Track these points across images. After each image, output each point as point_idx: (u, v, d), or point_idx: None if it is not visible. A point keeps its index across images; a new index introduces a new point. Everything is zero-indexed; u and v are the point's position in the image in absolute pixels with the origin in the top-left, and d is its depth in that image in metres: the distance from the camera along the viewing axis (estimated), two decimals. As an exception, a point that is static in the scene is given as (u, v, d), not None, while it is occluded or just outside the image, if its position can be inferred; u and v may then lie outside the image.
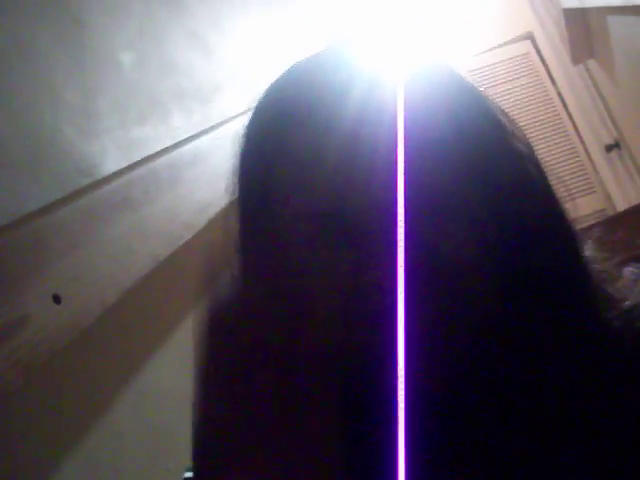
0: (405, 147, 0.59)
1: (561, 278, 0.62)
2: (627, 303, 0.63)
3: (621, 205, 4.19)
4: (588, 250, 0.68)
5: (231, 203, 0.71)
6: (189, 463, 0.73)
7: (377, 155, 0.59)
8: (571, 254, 0.64)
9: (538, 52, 4.80)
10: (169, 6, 2.01)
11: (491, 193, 0.62)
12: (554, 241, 0.64)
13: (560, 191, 0.67)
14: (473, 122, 0.66)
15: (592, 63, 4.13)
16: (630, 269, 0.67)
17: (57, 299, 1.11)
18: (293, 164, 0.63)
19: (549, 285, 0.60)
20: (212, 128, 1.96)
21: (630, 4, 2.45)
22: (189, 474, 0.70)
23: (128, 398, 1.34)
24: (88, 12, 1.56)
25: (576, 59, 4.11)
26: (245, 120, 0.71)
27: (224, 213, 0.74)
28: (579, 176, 4.54)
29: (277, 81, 0.70)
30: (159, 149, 1.65)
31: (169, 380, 1.47)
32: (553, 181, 0.68)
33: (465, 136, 0.63)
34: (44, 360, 1.06)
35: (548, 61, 4.71)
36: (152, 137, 1.67)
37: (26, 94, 1.29)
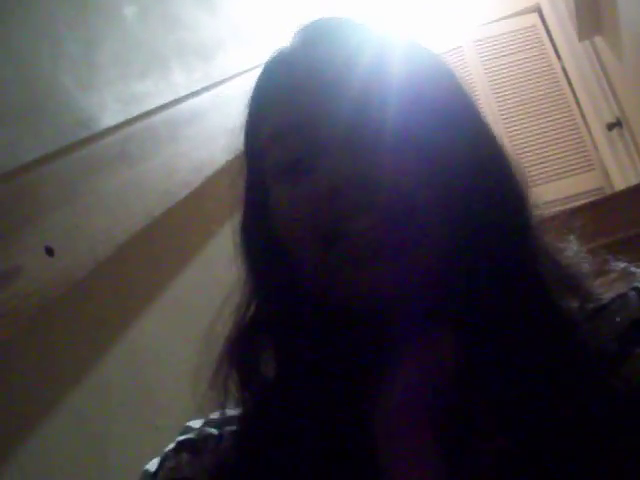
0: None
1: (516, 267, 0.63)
2: (606, 296, 0.64)
3: (619, 184, 4.19)
4: (573, 243, 0.68)
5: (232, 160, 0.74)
6: (176, 421, 0.74)
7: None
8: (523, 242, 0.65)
9: (545, 25, 4.77)
10: (174, -40, 1.98)
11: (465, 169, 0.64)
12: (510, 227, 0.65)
13: (526, 176, 0.69)
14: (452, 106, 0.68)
15: (599, 40, 4.11)
16: (618, 263, 0.67)
17: (50, 251, 1.10)
18: (278, 97, 0.69)
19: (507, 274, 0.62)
20: (213, 86, 1.94)
21: (641, -19, 2.42)
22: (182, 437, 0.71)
23: (117, 353, 1.34)
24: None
25: (583, 35, 4.08)
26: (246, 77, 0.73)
27: (221, 171, 0.76)
28: (579, 153, 4.53)
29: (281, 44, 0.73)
30: (158, 105, 1.63)
31: (159, 338, 1.47)
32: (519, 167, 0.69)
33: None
34: (35, 312, 1.06)
35: (554, 35, 4.69)
36: (152, 92, 1.66)
37: (26, 43, 1.27)
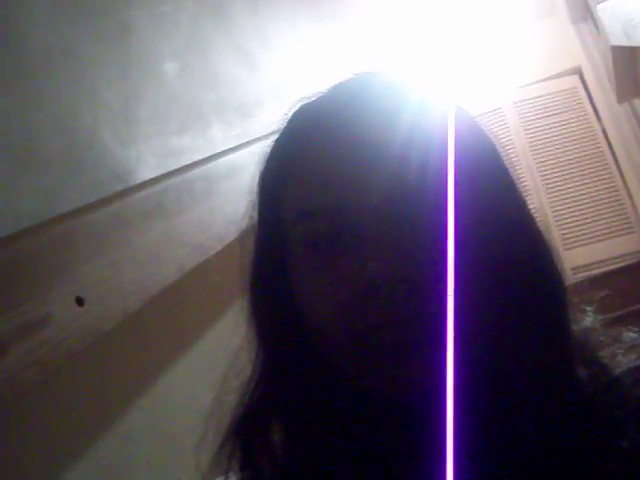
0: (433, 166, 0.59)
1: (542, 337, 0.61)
2: (618, 370, 0.63)
3: (659, 248, 4.14)
4: (589, 315, 0.67)
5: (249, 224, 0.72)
6: (200, 475, 0.73)
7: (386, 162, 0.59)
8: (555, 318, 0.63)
9: (585, 87, 4.77)
10: (216, 18, 2.02)
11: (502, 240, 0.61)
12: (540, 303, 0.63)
13: (553, 242, 0.67)
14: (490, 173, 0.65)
15: (638, 102, 4.10)
16: (630, 334, 0.66)
17: (80, 301, 1.12)
18: (305, 168, 0.64)
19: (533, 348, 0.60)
20: (251, 142, 1.96)
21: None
22: None
23: (143, 406, 1.34)
24: (136, 19, 1.57)
25: (622, 97, 4.07)
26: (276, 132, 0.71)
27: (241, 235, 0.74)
28: (618, 215, 4.49)
29: (304, 104, 0.69)
30: (196, 160, 1.65)
31: (185, 391, 1.47)
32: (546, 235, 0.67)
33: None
34: (63, 361, 1.07)
35: (594, 97, 4.68)
36: (190, 147, 1.69)
37: (67, 96, 1.30)
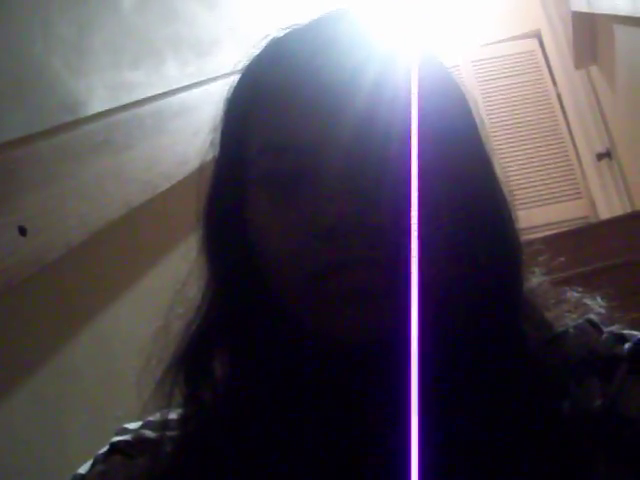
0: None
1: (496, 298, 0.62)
2: (560, 329, 0.64)
3: (605, 214, 4.21)
4: (536, 276, 0.68)
5: (206, 162, 0.71)
6: (139, 414, 0.72)
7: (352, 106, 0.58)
8: (511, 278, 0.64)
9: (543, 51, 4.79)
10: (177, -47, 1.98)
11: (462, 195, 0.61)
12: (500, 259, 0.63)
13: (514, 203, 0.67)
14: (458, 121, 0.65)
15: (594, 69, 4.13)
16: (574, 294, 0.68)
17: (22, 231, 1.10)
18: (270, 104, 0.63)
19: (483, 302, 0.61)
20: (205, 82, 1.94)
21: (637, 15, 2.44)
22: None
23: (84, 341, 1.33)
24: (92, -52, 1.53)
25: (579, 63, 4.11)
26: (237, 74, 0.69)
27: (200, 170, 0.73)
28: (567, 180, 4.55)
29: (270, 41, 0.68)
30: (148, 95, 1.63)
31: (127, 329, 1.46)
32: (508, 192, 0.67)
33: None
34: (2, 289, 1.05)
35: (552, 62, 4.71)
36: (142, 82, 1.66)
37: (19, 21, 1.27)
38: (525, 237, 0.68)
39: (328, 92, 0.59)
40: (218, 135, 0.69)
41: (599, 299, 0.67)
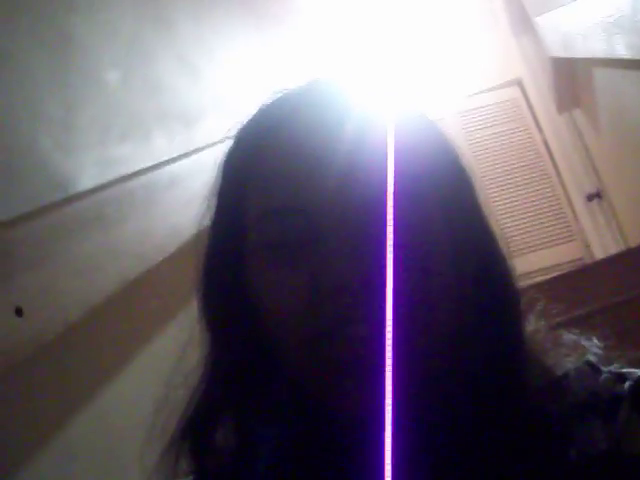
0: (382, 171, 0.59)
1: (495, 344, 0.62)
2: (558, 373, 0.64)
3: (599, 254, 4.22)
4: (531, 322, 0.68)
5: (202, 229, 0.71)
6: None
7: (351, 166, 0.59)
8: (511, 324, 0.64)
9: (526, 98, 4.85)
10: (158, 28, 2.01)
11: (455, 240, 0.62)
12: (498, 309, 0.64)
13: (508, 250, 0.68)
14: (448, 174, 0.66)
15: (577, 112, 4.18)
16: (571, 336, 0.68)
17: (19, 312, 1.10)
18: (268, 170, 0.63)
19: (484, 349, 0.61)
20: (193, 152, 1.95)
21: (614, 57, 2.47)
22: None
23: (84, 419, 1.32)
24: (76, 27, 1.55)
25: (562, 108, 4.15)
26: (227, 144, 0.70)
27: (196, 238, 0.73)
28: (559, 223, 4.57)
29: (262, 106, 0.70)
30: (137, 169, 1.64)
31: (128, 404, 1.45)
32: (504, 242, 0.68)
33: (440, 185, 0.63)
34: (1, 371, 1.05)
35: (535, 108, 4.76)
36: (131, 156, 1.67)
37: (4, 102, 1.28)
38: (521, 284, 0.68)
39: (329, 155, 0.60)
40: (213, 201, 0.69)
41: (595, 340, 0.68)
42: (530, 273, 4.03)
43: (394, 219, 0.58)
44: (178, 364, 0.68)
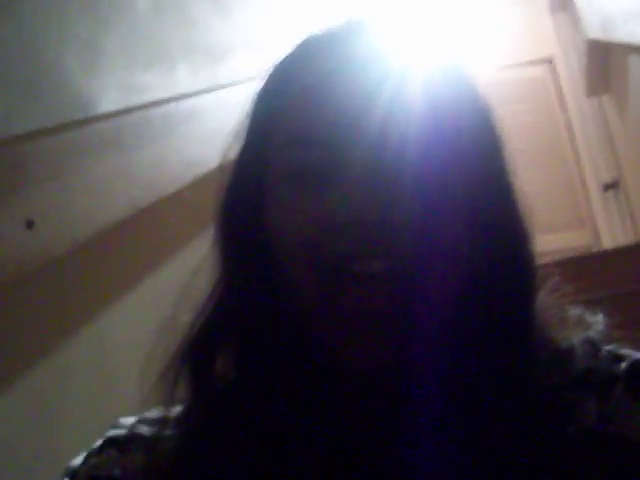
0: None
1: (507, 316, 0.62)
2: (559, 346, 0.64)
3: (608, 244, 4.20)
4: (544, 292, 0.68)
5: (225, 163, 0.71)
6: (136, 413, 0.72)
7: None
8: (524, 297, 0.64)
9: (555, 78, 4.79)
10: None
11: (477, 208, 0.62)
12: (513, 279, 0.64)
13: (532, 225, 0.68)
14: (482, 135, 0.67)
15: (606, 99, 4.13)
16: (576, 311, 0.68)
17: (30, 224, 1.10)
18: (298, 101, 0.63)
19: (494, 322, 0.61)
20: (215, 89, 1.94)
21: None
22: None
23: (85, 337, 1.33)
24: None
25: (591, 92, 4.10)
26: (250, 85, 0.70)
27: (213, 173, 0.72)
28: (571, 208, 4.54)
29: (298, 42, 0.69)
30: (158, 99, 1.63)
31: (126, 330, 1.46)
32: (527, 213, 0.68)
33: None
34: (9, 281, 1.06)
35: (563, 89, 4.71)
36: (154, 85, 1.66)
37: (35, 20, 1.27)
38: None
39: (360, 92, 0.60)
40: (242, 133, 0.69)
41: (600, 315, 0.67)
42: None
43: (419, 161, 0.57)
44: (186, 290, 0.68)
